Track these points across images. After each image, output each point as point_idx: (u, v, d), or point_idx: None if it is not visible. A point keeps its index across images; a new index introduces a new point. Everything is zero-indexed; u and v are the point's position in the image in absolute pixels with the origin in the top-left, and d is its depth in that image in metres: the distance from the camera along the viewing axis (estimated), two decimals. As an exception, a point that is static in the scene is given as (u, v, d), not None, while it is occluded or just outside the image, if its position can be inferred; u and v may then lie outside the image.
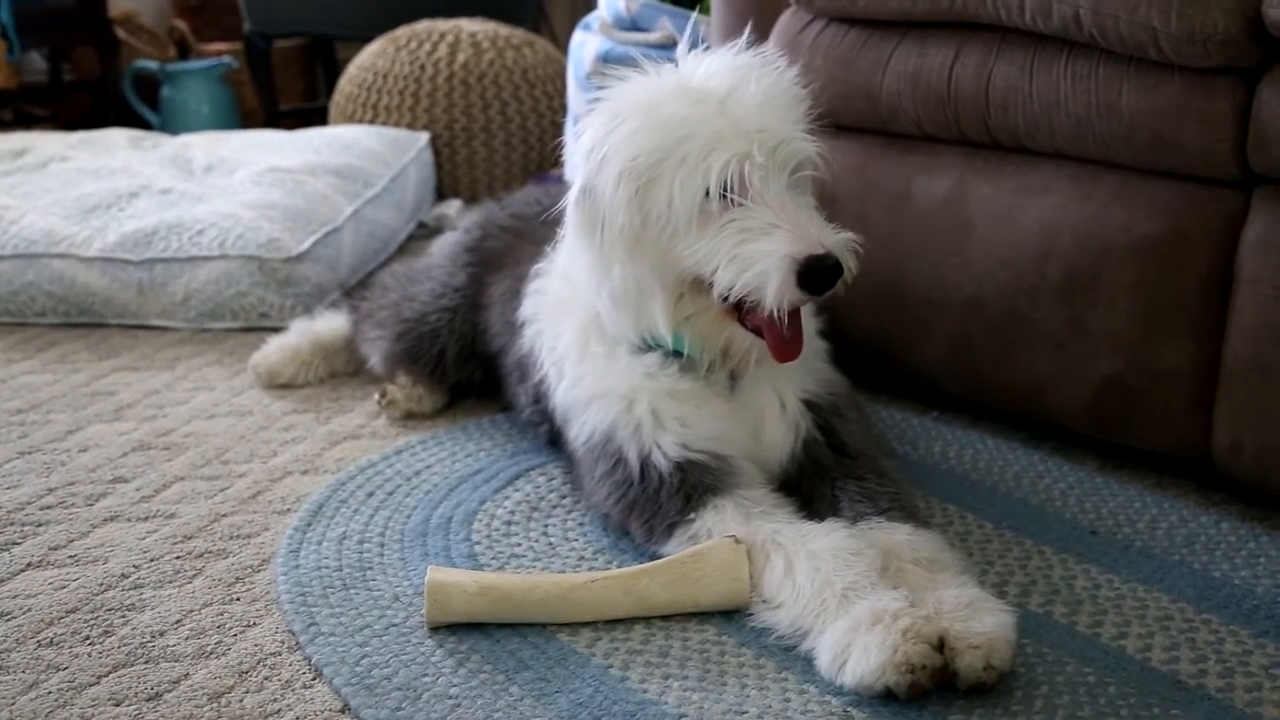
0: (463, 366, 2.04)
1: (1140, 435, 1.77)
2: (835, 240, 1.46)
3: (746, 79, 1.52)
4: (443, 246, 2.16)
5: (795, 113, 1.54)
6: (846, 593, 1.33)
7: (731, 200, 1.46)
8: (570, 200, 1.55)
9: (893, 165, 1.99)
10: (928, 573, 1.37)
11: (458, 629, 1.41)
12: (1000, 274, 1.85)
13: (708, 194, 1.46)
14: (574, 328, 1.65)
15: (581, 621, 1.41)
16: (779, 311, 1.44)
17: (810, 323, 1.66)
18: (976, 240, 1.87)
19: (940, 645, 1.26)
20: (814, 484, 1.56)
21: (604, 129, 1.51)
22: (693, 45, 1.62)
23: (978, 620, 1.28)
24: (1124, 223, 1.71)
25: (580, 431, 1.62)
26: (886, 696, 1.25)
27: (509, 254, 1.98)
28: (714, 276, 1.47)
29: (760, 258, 1.43)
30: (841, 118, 2.04)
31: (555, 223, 1.94)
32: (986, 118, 1.83)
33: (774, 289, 1.43)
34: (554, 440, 1.81)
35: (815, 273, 1.42)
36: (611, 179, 1.48)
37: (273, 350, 2.23)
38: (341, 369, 2.26)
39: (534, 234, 1.96)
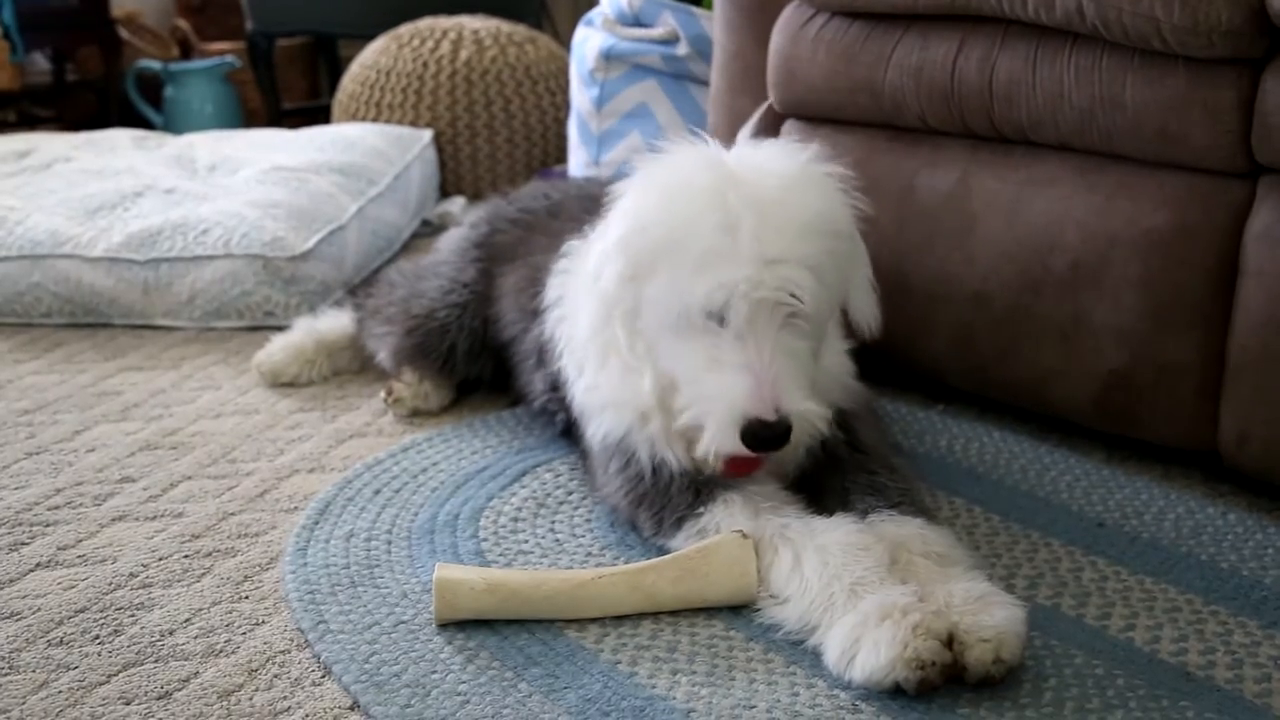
0: (473, 362, 2.04)
1: (1147, 428, 1.76)
2: (797, 408, 1.39)
3: (776, 191, 1.42)
4: (450, 243, 2.16)
5: (816, 247, 1.42)
6: (855, 587, 1.33)
7: (715, 323, 1.41)
8: (596, 251, 1.53)
9: (897, 160, 1.99)
10: (938, 566, 1.37)
11: (466, 626, 1.41)
12: (1005, 268, 1.85)
13: (688, 306, 1.41)
14: (600, 338, 1.63)
15: (589, 618, 1.42)
16: (711, 457, 1.42)
17: (839, 343, 1.67)
18: (981, 234, 1.87)
19: (950, 641, 1.26)
20: (825, 478, 1.56)
21: (631, 199, 1.49)
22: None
23: (988, 614, 1.28)
24: (1129, 215, 1.70)
25: (596, 431, 1.63)
26: (895, 692, 1.25)
27: (520, 246, 1.98)
28: (675, 387, 1.46)
29: (713, 397, 1.40)
30: (844, 111, 2.04)
31: (565, 215, 1.95)
32: (990, 111, 1.83)
33: (710, 435, 1.40)
34: (568, 430, 1.81)
35: (758, 436, 1.37)
36: (614, 250, 1.47)
37: (276, 349, 2.23)
38: (345, 367, 2.27)
39: (545, 226, 1.97)
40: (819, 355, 1.51)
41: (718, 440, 1.40)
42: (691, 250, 1.40)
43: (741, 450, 1.39)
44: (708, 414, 1.40)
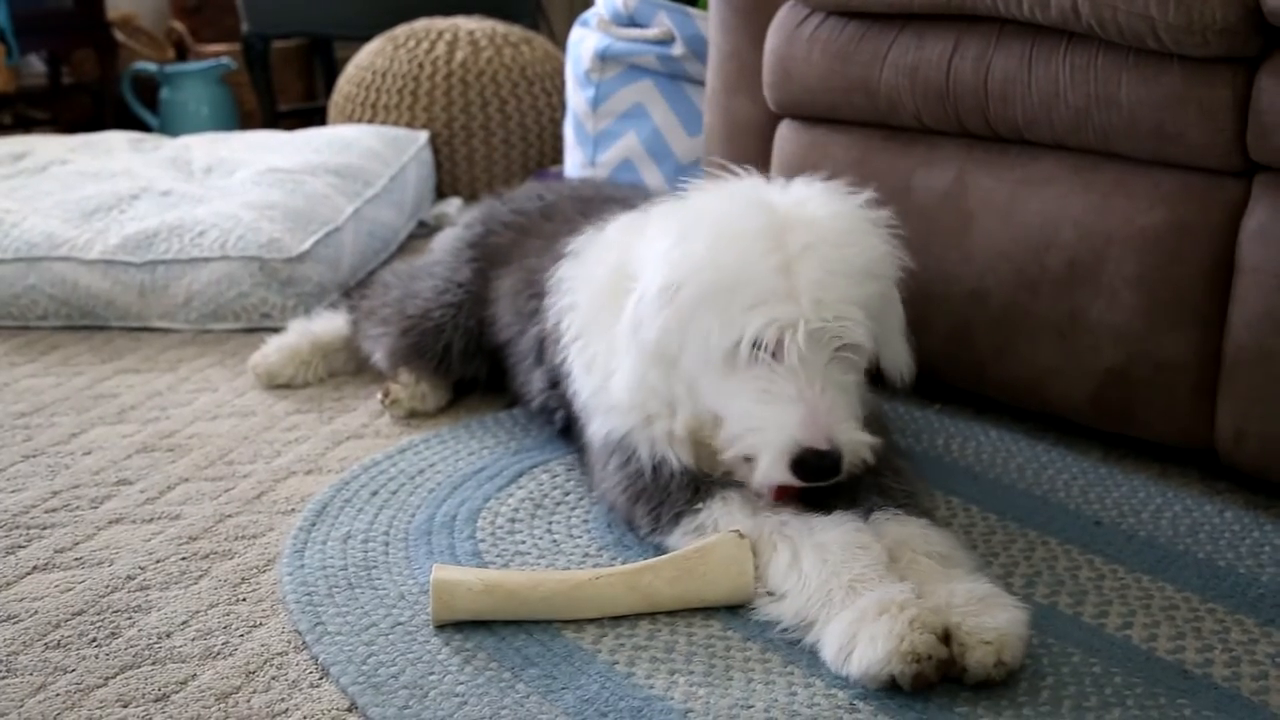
0: (468, 362, 2.04)
1: (1143, 426, 1.77)
2: (848, 438, 1.40)
3: (830, 234, 1.44)
4: (444, 243, 2.16)
5: (867, 290, 1.44)
6: (853, 584, 1.33)
7: (767, 356, 1.41)
8: (635, 298, 1.51)
9: (893, 159, 1.99)
10: (941, 567, 1.38)
11: (464, 627, 1.41)
12: (1001, 266, 1.85)
13: (740, 340, 1.42)
14: (609, 335, 1.61)
15: (587, 618, 1.42)
16: (762, 487, 1.43)
17: None
18: (977, 233, 1.87)
19: (946, 637, 1.26)
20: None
21: (670, 239, 1.48)
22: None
23: (990, 616, 1.28)
24: (1125, 213, 1.71)
25: (599, 429, 1.62)
26: (891, 687, 1.26)
27: (515, 249, 1.98)
28: (723, 422, 1.46)
29: (766, 427, 1.41)
30: (840, 111, 2.04)
31: (559, 217, 1.94)
32: (986, 110, 1.83)
33: (765, 466, 1.41)
34: (566, 428, 1.81)
35: (810, 466, 1.38)
36: (657, 293, 1.46)
37: (272, 351, 2.23)
38: (341, 368, 2.27)
39: (539, 229, 1.97)
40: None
41: (772, 470, 1.40)
42: (745, 291, 1.41)
43: (792, 480, 1.40)
44: (761, 445, 1.41)
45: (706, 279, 1.43)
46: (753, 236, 1.43)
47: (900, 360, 1.56)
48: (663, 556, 1.45)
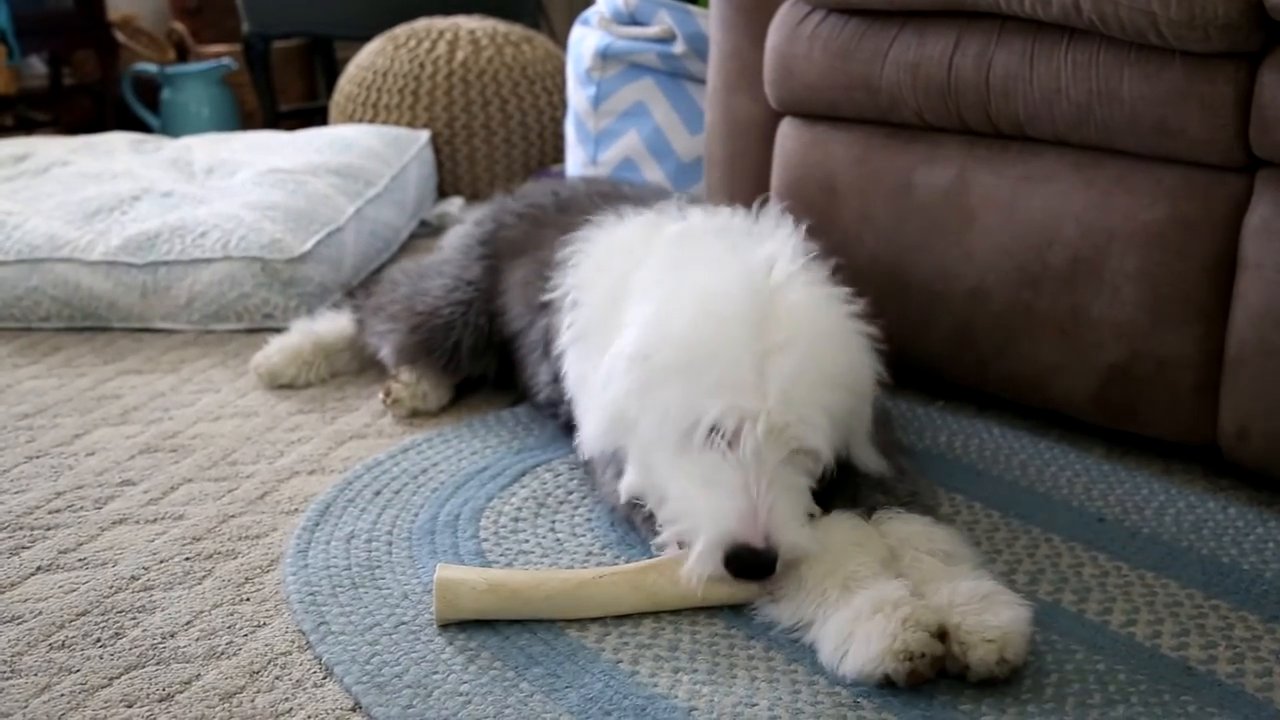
0: (477, 359, 2.04)
1: (1146, 422, 1.77)
2: (787, 540, 1.35)
3: (810, 334, 1.42)
4: (455, 240, 2.16)
5: (835, 398, 1.42)
6: (847, 582, 1.33)
7: (723, 443, 1.38)
8: (612, 352, 1.50)
9: (894, 156, 1.99)
10: (944, 564, 1.38)
11: (467, 626, 1.41)
12: (1003, 263, 1.85)
13: (694, 424, 1.39)
14: (602, 352, 1.59)
15: (590, 617, 1.42)
16: (695, 578, 1.38)
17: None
18: (979, 230, 1.87)
19: (941, 634, 1.26)
20: (833, 476, 1.55)
21: (654, 303, 1.47)
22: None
23: (992, 614, 1.28)
24: (1127, 209, 1.70)
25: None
26: (886, 685, 1.26)
27: (528, 240, 1.98)
28: (665, 500, 1.44)
29: (705, 515, 1.37)
30: (841, 109, 2.04)
31: (575, 209, 1.94)
32: (987, 107, 1.83)
33: (697, 554, 1.37)
34: (570, 425, 1.81)
35: (743, 562, 1.34)
36: (628, 357, 1.45)
37: (274, 351, 2.23)
38: (343, 368, 2.27)
39: (554, 220, 1.96)
40: None
41: (704, 560, 1.36)
42: (713, 374, 1.39)
43: (722, 575, 1.36)
44: (696, 531, 1.37)
45: (677, 354, 1.41)
46: (732, 322, 1.41)
47: (870, 462, 1.52)
48: (667, 555, 1.45)
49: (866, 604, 1.28)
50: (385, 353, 2.12)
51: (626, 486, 1.52)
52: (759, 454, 1.36)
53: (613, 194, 1.99)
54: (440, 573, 1.41)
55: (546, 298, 1.80)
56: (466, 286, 2.03)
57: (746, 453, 1.36)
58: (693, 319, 1.43)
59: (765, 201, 1.68)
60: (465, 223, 2.19)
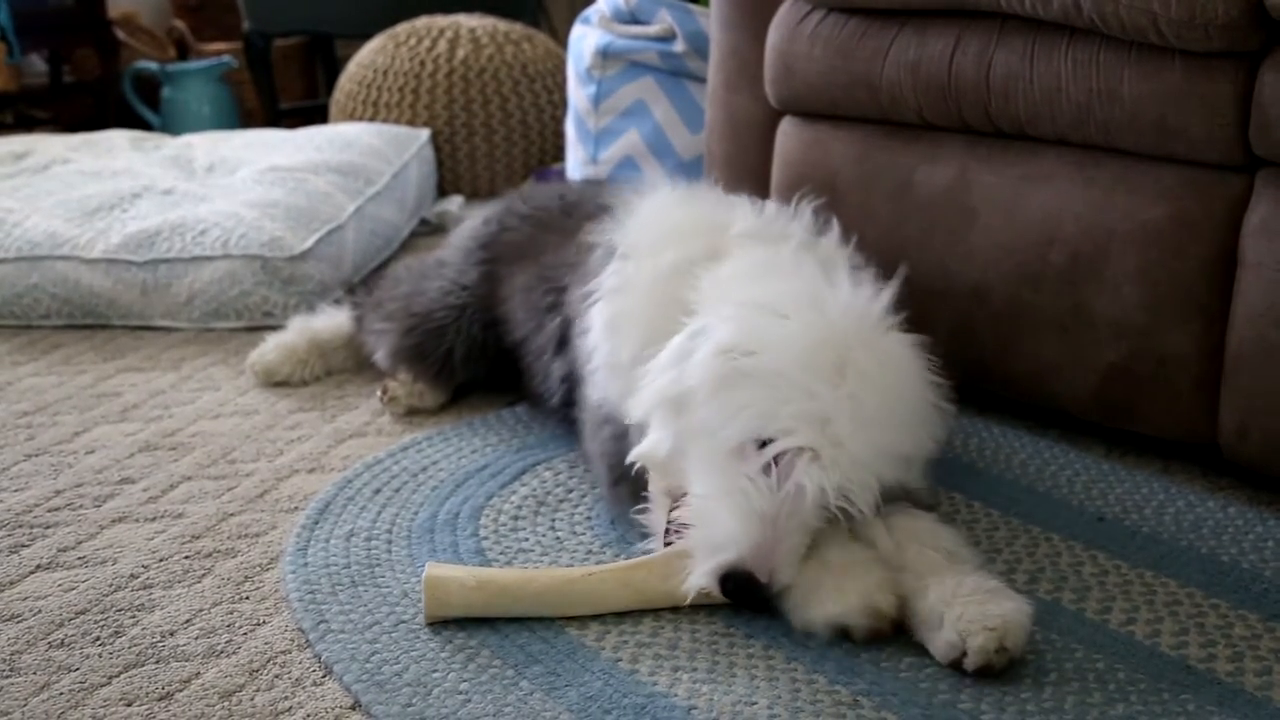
0: (470, 367, 2.03)
1: (1146, 421, 1.77)
2: (784, 578, 1.34)
3: (890, 402, 1.37)
4: (458, 240, 2.14)
5: (901, 468, 1.40)
6: (819, 543, 1.37)
7: (770, 463, 1.34)
8: (691, 331, 1.45)
9: (895, 155, 1.99)
10: (948, 561, 1.38)
11: (466, 625, 1.41)
12: (1004, 262, 1.85)
13: (758, 445, 1.35)
14: (646, 320, 1.56)
15: (579, 615, 1.42)
16: (690, 588, 1.36)
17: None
18: (979, 228, 1.87)
19: (902, 603, 1.34)
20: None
21: (752, 305, 1.43)
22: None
23: (993, 604, 1.29)
24: (1127, 208, 1.70)
25: (601, 396, 1.61)
26: (842, 637, 1.33)
27: (530, 244, 1.95)
28: (686, 496, 1.41)
29: (718, 531, 1.34)
30: (842, 108, 2.04)
31: (580, 214, 1.91)
32: (988, 106, 1.83)
33: (699, 568, 1.35)
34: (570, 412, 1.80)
35: (741, 589, 1.33)
36: (715, 345, 1.40)
37: (270, 348, 2.23)
38: (340, 366, 2.26)
39: (559, 224, 1.93)
40: None
41: (703, 575, 1.34)
42: (802, 398, 1.34)
43: (716, 595, 1.35)
44: (705, 544, 1.35)
45: (774, 363, 1.36)
46: (828, 354, 1.36)
47: (922, 493, 1.50)
48: (656, 553, 1.45)
49: (838, 559, 1.33)
50: (380, 355, 2.12)
51: (644, 453, 1.47)
52: (803, 494, 1.33)
53: (618, 201, 1.96)
54: (429, 570, 1.41)
55: (554, 300, 1.78)
56: (462, 291, 2.02)
57: (792, 487, 1.33)
58: (789, 336, 1.38)
59: (802, 198, 1.68)
60: (475, 219, 2.16)
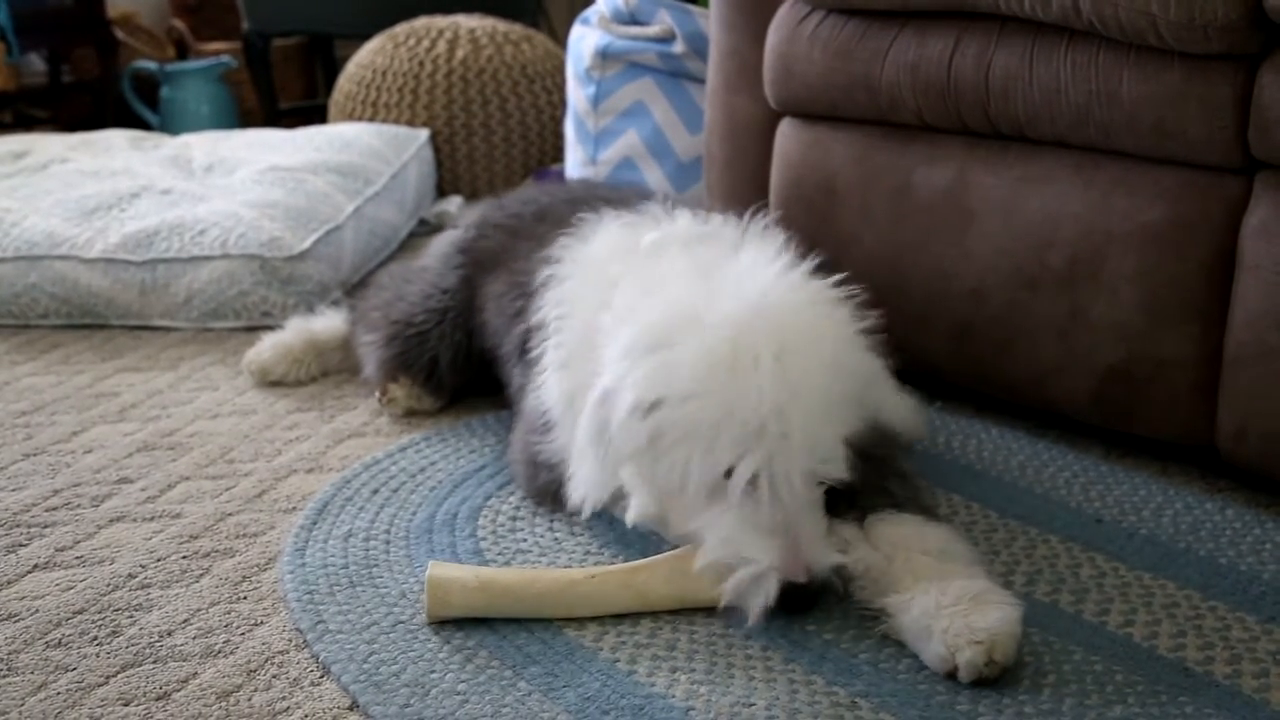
0: (457, 373, 2.02)
1: (1144, 423, 1.77)
2: (825, 565, 1.37)
3: (816, 360, 1.38)
4: (437, 247, 2.14)
5: (852, 413, 1.43)
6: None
7: (749, 486, 1.36)
8: (592, 397, 1.46)
9: (893, 156, 1.99)
10: (937, 563, 1.37)
11: (464, 625, 1.41)
12: (1002, 264, 1.85)
13: (726, 473, 1.37)
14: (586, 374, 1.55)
15: (581, 616, 1.42)
16: (750, 616, 1.36)
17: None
18: (978, 230, 1.87)
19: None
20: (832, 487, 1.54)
21: (642, 343, 1.42)
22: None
23: (980, 615, 1.28)
24: (1126, 210, 1.70)
25: (542, 403, 1.62)
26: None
27: (504, 253, 1.94)
28: (703, 548, 1.40)
29: (748, 559, 1.36)
30: (841, 109, 2.04)
31: (551, 219, 1.92)
32: (987, 107, 1.83)
33: (760, 602, 1.35)
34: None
35: (791, 599, 1.35)
36: (626, 407, 1.40)
37: (265, 348, 2.23)
38: (336, 367, 2.26)
39: (530, 231, 1.93)
40: None
41: (758, 601, 1.35)
42: (731, 426, 1.35)
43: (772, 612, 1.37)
44: (744, 576, 1.36)
45: (686, 408, 1.37)
46: (736, 358, 1.36)
47: (907, 420, 1.51)
48: (658, 556, 1.45)
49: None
50: (369, 370, 2.10)
51: (636, 516, 1.49)
52: (785, 488, 1.35)
53: (589, 199, 1.93)
54: (432, 570, 1.41)
55: (522, 306, 1.78)
56: (442, 295, 2.01)
57: (778, 496, 1.35)
58: (692, 359, 1.38)
59: (760, 210, 1.66)
60: (457, 227, 2.17)
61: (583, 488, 1.50)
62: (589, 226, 1.71)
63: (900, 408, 1.52)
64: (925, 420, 1.52)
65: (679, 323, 1.41)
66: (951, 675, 1.28)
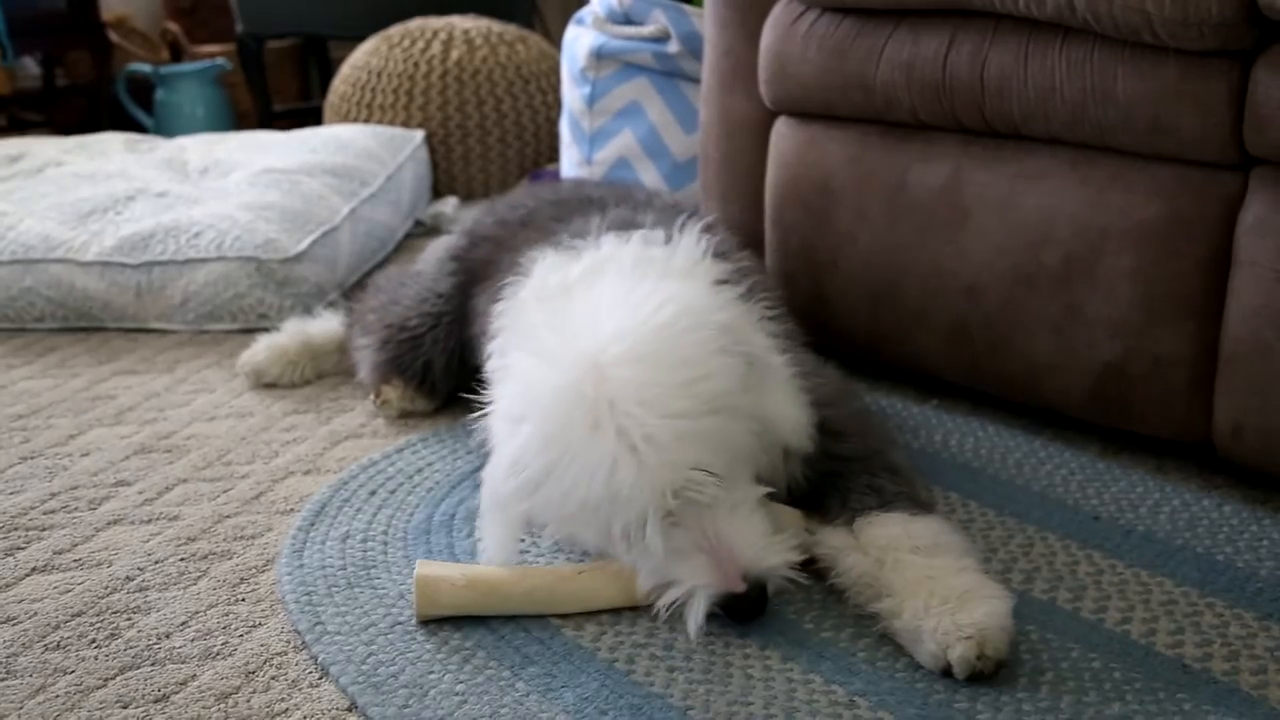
0: (452, 376, 2.00)
1: (1141, 420, 1.77)
2: (763, 568, 1.35)
3: (659, 396, 1.32)
4: (431, 253, 2.13)
5: (713, 428, 1.35)
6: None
7: (639, 531, 1.34)
8: (486, 471, 1.45)
9: (889, 155, 1.99)
10: (926, 559, 1.37)
11: (462, 626, 1.41)
12: (998, 262, 1.85)
13: (616, 532, 1.36)
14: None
15: (570, 613, 1.42)
16: (691, 632, 1.36)
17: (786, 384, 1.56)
18: (974, 228, 1.87)
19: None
20: (823, 487, 1.53)
21: (509, 416, 1.40)
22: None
23: (967, 611, 1.28)
24: (1121, 207, 1.71)
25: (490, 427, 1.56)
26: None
27: (491, 265, 1.91)
28: (641, 578, 1.40)
29: (682, 584, 1.35)
30: (836, 108, 2.04)
31: (533, 225, 1.90)
32: (982, 105, 1.83)
33: (695, 618, 1.35)
34: None
35: (735, 609, 1.35)
36: (506, 492, 1.39)
37: (260, 350, 2.23)
38: (331, 370, 2.26)
39: (513, 241, 1.89)
40: (768, 414, 1.45)
41: (701, 621, 1.35)
42: (594, 502, 1.32)
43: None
44: (685, 599, 1.36)
45: (550, 495, 1.35)
46: (569, 433, 1.32)
47: (792, 425, 1.46)
48: None
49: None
50: (364, 373, 2.09)
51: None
52: (683, 519, 1.34)
53: (571, 200, 1.92)
54: (420, 569, 1.42)
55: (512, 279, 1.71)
56: (436, 299, 1.99)
57: (671, 526, 1.34)
58: (540, 438, 1.34)
59: (708, 228, 1.66)
60: (452, 231, 2.15)
61: (491, 551, 1.46)
62: (530, 263, 1.65)
63: (784, 412, 1.47)
64: (806, 431, 1.48)
65: (529, 392, 1.38)
66: (947, 673, 1.28)
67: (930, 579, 1.34)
